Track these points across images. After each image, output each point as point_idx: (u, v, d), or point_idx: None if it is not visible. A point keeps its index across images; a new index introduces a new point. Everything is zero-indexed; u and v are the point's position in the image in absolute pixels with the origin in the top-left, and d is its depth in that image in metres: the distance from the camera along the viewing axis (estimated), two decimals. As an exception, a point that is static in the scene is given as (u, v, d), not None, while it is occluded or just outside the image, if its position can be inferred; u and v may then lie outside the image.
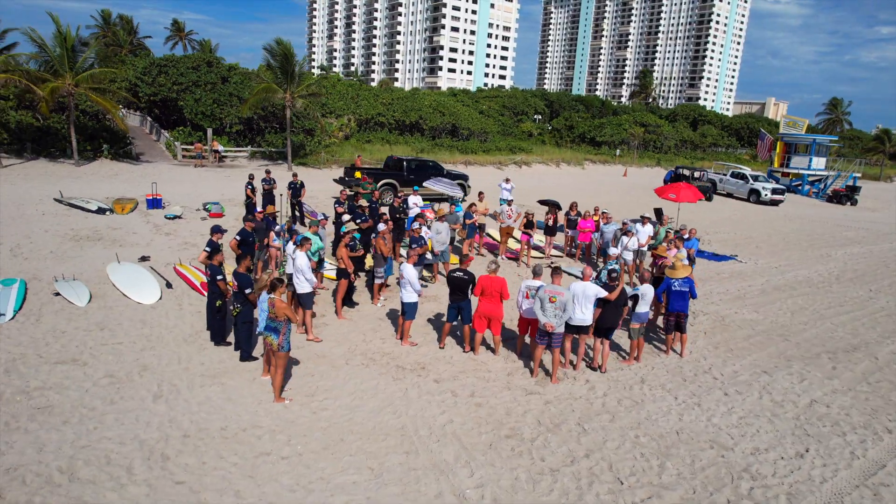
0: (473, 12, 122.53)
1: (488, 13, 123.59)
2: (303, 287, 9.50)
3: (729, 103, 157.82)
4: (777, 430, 7.80)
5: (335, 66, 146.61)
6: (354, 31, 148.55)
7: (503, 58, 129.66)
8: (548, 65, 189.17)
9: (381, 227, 11.91)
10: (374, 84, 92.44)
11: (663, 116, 69.30)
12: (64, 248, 13.63)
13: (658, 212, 21.29)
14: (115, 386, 7.66)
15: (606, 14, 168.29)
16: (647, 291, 9.42)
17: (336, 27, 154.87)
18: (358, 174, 21.09)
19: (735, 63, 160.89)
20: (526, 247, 15.38)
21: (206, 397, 7.55)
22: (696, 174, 33.65)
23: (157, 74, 34.98)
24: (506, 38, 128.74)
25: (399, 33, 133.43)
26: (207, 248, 9.40)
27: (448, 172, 24.53)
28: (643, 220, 15.04)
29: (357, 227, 11.76)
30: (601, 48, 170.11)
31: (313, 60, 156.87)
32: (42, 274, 11.53)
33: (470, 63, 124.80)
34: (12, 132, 28.44)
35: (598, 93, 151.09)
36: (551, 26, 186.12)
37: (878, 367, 10.30)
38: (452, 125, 49.12)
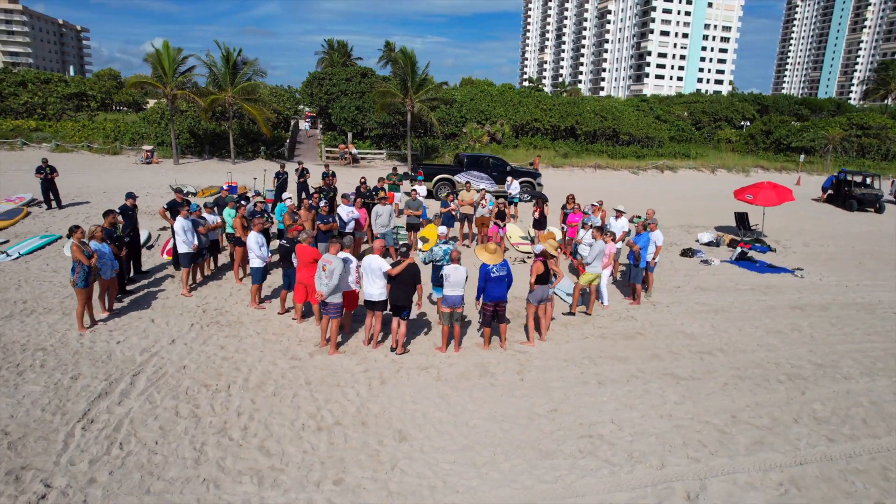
0: (687, 14, 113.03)
1: (704, 14, 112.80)
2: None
3: None
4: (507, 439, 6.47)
5: (545, 77, 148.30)
6: (564, 43, 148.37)
7: (721, 61, 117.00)
8: (788, 67, 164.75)
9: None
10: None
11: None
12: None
13: (740, 217, 17.92)
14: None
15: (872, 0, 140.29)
16: (450, 273, 8.41)
17: (547, 40, 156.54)
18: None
19: None
20: (497, 238, 14.39)
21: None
22: (867, 180, 26.67)
23: (315, 87, 40.14)
24: (725, 40, 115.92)
25: (607, 41, 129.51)
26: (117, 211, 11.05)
27: (514, 169, 23.66)
28: (617, 213, 12.98)
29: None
30: (860, 42, 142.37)
31: (525, 73, 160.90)
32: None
33: (681, 68, 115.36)
34: (197, 136, 35.45)
35: (851, 96, 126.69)
36: (795, 23, 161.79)
37: (775, 403, 7.58)
38: (613, 130, 46.84)
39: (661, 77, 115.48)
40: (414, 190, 14.76)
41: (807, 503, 5.63)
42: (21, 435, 6.05)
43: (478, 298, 8.67)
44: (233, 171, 26.61)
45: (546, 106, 47.75)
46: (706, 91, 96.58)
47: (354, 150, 37.36)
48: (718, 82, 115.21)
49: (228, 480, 5.54)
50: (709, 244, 16.78)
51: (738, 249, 15.26)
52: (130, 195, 11.36)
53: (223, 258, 12.87)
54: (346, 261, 8.67)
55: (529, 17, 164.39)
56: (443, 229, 10.14)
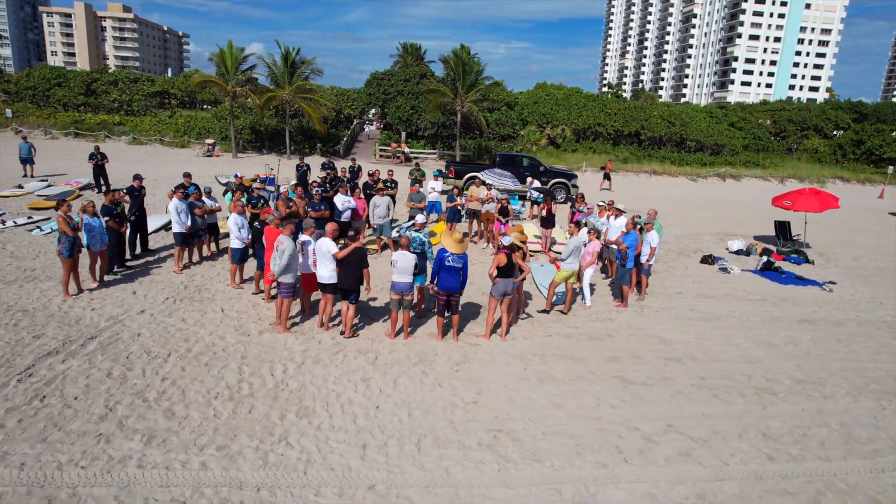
0: (781, 16, 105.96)
1: (801, 16, 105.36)
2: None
3: None
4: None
5: (624, 83, 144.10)
6: (646, 48, 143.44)
7: (817, 66, 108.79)
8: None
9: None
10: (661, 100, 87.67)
11: None
12: (157, 201, 17.95)
13: (781, 225, 16.73)
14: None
15: None
16: (397, 259, 8.32)
17: (629, 45, 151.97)
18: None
19: None
20: (500, 234, 14.11)
21: (25, 284, 9.89)
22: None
23: (374, 87, 41.08)
24: (823, 44, 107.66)
25: (691, 46, 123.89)
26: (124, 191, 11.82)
27: (548, 169, 23.12)
28: (616, 213, 12.37)
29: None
30: None
31: (604, 79, 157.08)
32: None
33: (770, 74, 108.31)
34: (258, 133, 37.21)
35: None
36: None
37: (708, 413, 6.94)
38: (680, 136, 45.01)
39: (747, 84, 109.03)
40: (417, 182, 14.74)
41: (705, 519, 5.13)
42: (-39, 381, 6.58)
43: (431, 282, 8.55)
44: (279, 165, 27.66)
45: (611, 110, 46.46)
46: (798, 98, 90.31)
47: (407, 150, 37.88)
48: (813, 89, 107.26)
49: (121, 437, 5.76)
50: (738, 252, 15.66)
51: (764, 258, 14.13)
52: (137, 177, 12.09)
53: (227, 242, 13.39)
54: (305, 243, 8.82)
55: (611, 21, 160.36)
56: (420, 217, 10.09)
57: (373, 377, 7.36)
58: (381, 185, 13.87)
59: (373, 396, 6.87)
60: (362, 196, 13.67)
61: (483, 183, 15.72)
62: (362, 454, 5.75)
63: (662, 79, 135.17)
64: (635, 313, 10.42)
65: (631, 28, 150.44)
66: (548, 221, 14.27)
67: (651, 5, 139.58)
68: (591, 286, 10.77)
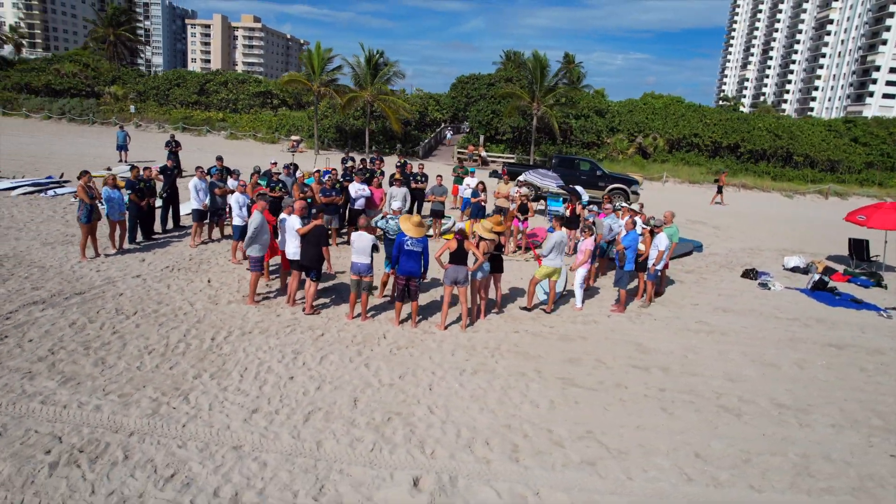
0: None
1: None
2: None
3: None
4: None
5: (744, 96, 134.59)
6: (771, 59, 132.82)
7: None
8: None
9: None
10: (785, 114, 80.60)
11: None
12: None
13: (857, 244, 14.95)
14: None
15: None
16: (355, 240, 8.29)
17: (751, 55, 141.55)
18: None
19: None
20: (518, 232, 13.67)
21: (56, 246, 11.01)
22: None
23: (458, 91, 41.48)
24: None
25: (823, 56, 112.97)
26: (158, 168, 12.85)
27: (606, 174, 22.00)
28: (630, 213, 11.51)
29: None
30: None
31: (722, 91, 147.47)
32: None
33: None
34: (343, 132, 38.88)
35: None
36: None
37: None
38: (786, 150, 41.39)
39: (890, 96, 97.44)
40: (439, 176, 14.61)
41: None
42: (-53, 316, 7.45)
43: (392, 267, 8.46)
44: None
45: (711, 121, 43.59)
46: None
47: (485, 153, 37.84)
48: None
49: (44, 377, 6.23)
50: (793, 269, 14.00)
51: (816, 277, 12.51)
52: (171, 157, 13.07)
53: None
54: (282, 220, 9.08)
55: (734, 30, 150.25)
56: (397, 204, 10.05)
57: (306, 351, 7.39)
58: (398, 175, 13.94)
59: (293, 368, 6.91)
60: (381, 186, 13.82)
61: (511, 180, 15.29)
62: (248, 417, 5.79)
63: (787, 91, 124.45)
64: (627, 319, 9.64)
65: (755, 37, 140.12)
66: (571, 222, 13.61)
67: (780, 11, 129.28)
68: (593, 287, 10.12)
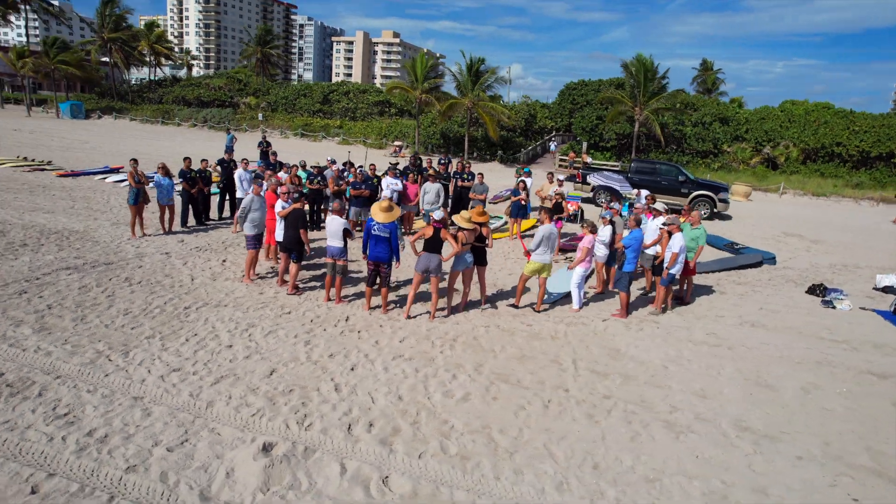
0: None
1: None
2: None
3: None
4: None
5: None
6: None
7: None
8: None
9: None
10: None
11: None
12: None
13: None
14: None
15: None
16: (328, 224, 8.47)
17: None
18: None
19: None
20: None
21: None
22: None
23: (566, 98, 40.50)
24: None
25: None
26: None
27: (690, 180, 20.11)
28: (654, 213, 10.48)
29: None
30: None
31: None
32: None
33: None
34: (447, 138, 39.72)
35: None
36: None
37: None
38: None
39: None
40: (480, 174, 14.37)
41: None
42: (-10, 273, 8.85)
43: (364, 252, 8.56)
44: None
45: (860, 127, 38.41)
46: None
47: (589, 159, 36.57)
48: None
49: (28, 325, 7.16)
50: (885, 289, 11.85)
51: (900, 298, 10.49)
52: (228, 150, 14.30)
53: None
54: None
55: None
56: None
57: (260, 325, 7.72)
58: (431, 171, 13.98)
59: (236, 339, 7.25)
60: (417, 182, 13.98)
61: (554, 179, 14.66)
62: (165, 374, 6.19)
63: None
64: (623, 324, 8.81)
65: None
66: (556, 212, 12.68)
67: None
68: (587, 288, 9.43)
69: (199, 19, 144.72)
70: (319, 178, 13.41)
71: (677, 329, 8.83)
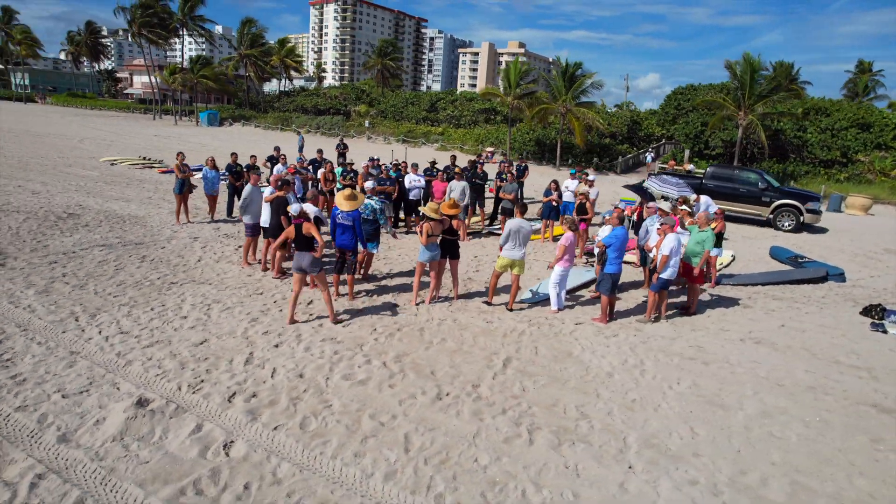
0: None
1: None
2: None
3: None
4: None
5: None
6: None
7: None
8: None
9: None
10: None
11: None
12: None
13: None
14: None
15: None
16: (291, 209, 8.78)
17: None
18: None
19: None
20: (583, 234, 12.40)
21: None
22: None
23: (671, 103, 38.05)
24: None
25: None
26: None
27: (774, 187, 17.89)
28: (661, 213, 9.55)
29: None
30: None
31: None
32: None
33: None
34: (542, 145, 39.12)
35: None
36: None
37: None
38: None
39: None
40: (511, 173, 13.99)
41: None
42: (16, 239, 10.31)
43: (332, 238, 8.80)
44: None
45: None
46: None
47: (691, 167, 34.07)
48: None
49: (35, 288, 8.26)
50: (971, 318, 9.80)
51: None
52: (277, 148, 15.33)
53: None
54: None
55: None
56: (369, 184, 10.30)
57: (223, 303, 8.23)
58: (457, 169, 13.87)
59: (192, 312, 7.77)
60: (445, 179, 13.98)
61: (587, 179, 13.90)
62: (109, 336, 6.83)
63: None
64: (595, 329, 8.17)
65: None
66: (639, 227, 11.84)
67: None
68: (586, 293, 8.86)
69: (336, 35, 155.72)
70: (352, 175, 13.92)
71: (657, 339, 8.01)
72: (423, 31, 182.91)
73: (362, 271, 9.79)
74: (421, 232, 8.31)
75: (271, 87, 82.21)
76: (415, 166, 13.83)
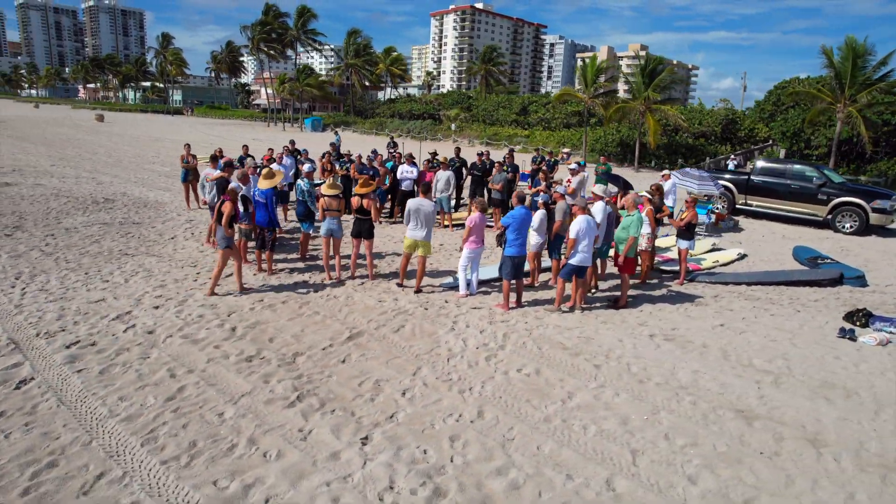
0: None
1: None
2: None
3: None
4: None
5: None
6: None
7: None
8: None
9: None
10: None
11: None
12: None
13: None
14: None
15: None
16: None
17: None
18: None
19: None
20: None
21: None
22: None
23: (772, 98, 34.40)
24: None
25: None
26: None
27: (832, 183, 15.46)
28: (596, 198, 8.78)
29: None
30: None
31: None
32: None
33: None
34: (626, 146, 37.27)
35: None
36: None
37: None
38: None
39: None
40: (499, 163, 13.51)
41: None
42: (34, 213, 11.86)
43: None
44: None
45: None
46: None
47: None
48: None
49: (11, 255, 9.55)
50: None
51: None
52: (292, 142, 16.20)
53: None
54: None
55: None
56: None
57: (151, 272, 8.95)
58: (443, 159, 13.70)
59: (118, 279, 8.50)
60: (431, 169, 13.93)
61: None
62: (23, 290, 7.77)
63: None
64: (482, 314, 7.78)
65: None
66: (688, 232, 10.40)
67: None
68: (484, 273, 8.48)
69: (455, 44, 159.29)
70: (348, 165, 14.37)
71: (549, 328, 7.44)
72: (542, 37, 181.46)
73: (303, 252, 10.13)
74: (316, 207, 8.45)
75: (386, 95, 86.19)
76: (409, 157, 13.96)
